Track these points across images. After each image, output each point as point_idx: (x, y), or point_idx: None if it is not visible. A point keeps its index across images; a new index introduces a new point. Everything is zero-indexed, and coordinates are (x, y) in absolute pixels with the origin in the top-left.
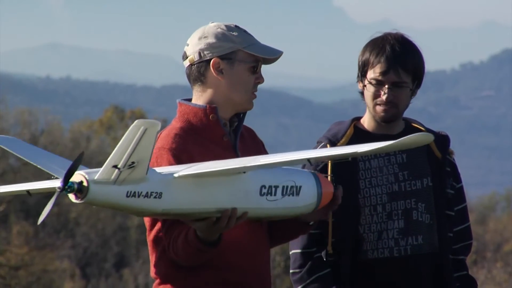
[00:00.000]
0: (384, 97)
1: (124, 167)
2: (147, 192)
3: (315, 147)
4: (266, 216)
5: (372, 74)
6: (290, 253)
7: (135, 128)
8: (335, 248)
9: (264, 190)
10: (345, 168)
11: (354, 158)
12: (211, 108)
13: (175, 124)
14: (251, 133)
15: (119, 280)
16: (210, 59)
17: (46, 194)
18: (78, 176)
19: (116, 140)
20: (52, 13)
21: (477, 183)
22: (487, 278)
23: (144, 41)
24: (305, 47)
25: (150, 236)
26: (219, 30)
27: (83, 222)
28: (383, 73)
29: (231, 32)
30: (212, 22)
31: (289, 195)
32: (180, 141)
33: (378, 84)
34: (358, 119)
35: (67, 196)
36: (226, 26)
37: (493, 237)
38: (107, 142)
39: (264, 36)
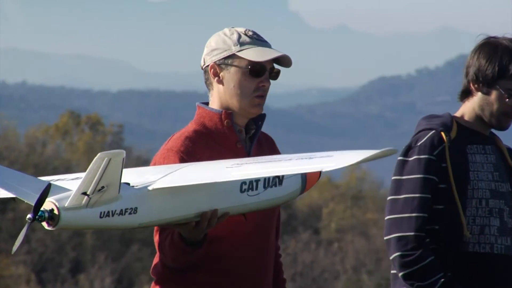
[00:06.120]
0: None
1: (93, 193)
2: (121, 210)
3: (422, 136)
4: (249, 210)
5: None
6: (395, 235)
7: (99, 160)
8: (441, 237)
9: (245, 186)
10: (460, 158)
11: (464, 149)
12: (226, 113)
13: (190, 126)
14: (270, 142)
15: (75, 285)
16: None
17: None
18: (49, 204)
19: (72, 145)
20: (8, 17)
21: None
22: None
23: (100, 46)
24: None
25: (155, 238)
26: (221, 35)
27: (38, 227)
28: None
29: (230, 36)
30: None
31: (271, 187)
32: (190, 144)
33: None
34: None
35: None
36: (231, 30)
37: None
38: (63, 148)
39: None
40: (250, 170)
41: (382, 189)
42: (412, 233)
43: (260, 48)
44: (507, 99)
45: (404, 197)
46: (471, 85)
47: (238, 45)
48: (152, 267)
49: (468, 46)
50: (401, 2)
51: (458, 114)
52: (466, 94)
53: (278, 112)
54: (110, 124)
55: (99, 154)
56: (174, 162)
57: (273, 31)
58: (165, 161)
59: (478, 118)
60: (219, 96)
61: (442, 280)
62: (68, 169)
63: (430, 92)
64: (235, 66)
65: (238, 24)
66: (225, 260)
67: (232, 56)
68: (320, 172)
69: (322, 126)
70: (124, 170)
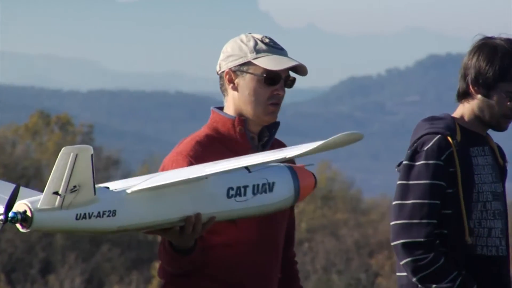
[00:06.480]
0: None
1: (65, 192)
2: (99, 212)
3: (428, 140)
4: (237, 217)
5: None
6: (404, 241)
7: (64, 156)
8: (449, 240)
9: (232, 192)
10: (465, 162)
11: (468, 153)
12: (240, 120)
13: (202, 131)
14: None
15: (45, 286)
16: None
17: None
18: (22, 206)
19: (41, 146)
20: None
21: None
22: None
23: (70, 46)
24: None
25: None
26: (238, 41)
27: (8, 227)
28: None
29: (246, 43)
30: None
31: (261, 193)
32: (199, 148)
33: None
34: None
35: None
36: (247, 36)
37: None
38: (32, 148)
39: (192, 42)
40: (222, 165)
41: (352, 189)
42: (422, 239)
43: (276, 56)
44: (508, 102)
45: (412, 203)
46: (471, 87)
47: (254, 53)
48: (158, 270)
49: (437, 46)
50: (371, 2)
51: (457, 115)
52: (464, 95)
53: None
54: (80, 124)
55: (63, 149)
56: (183, 166)
57: (243, 31)
58: (173, 164)
59: (477, 119)
60: (234, 102)
61: (460, 278)
62: (38, 169)
63: (400, 92)
64: (251, 73)
65: (207, 23)
66: (228, 267)
67: (248, 63)
68: (315, 181)
69: (293, 126)
70: (109, 183)
